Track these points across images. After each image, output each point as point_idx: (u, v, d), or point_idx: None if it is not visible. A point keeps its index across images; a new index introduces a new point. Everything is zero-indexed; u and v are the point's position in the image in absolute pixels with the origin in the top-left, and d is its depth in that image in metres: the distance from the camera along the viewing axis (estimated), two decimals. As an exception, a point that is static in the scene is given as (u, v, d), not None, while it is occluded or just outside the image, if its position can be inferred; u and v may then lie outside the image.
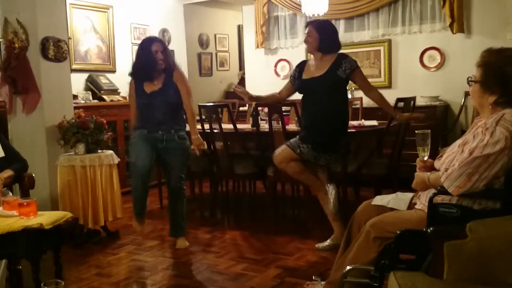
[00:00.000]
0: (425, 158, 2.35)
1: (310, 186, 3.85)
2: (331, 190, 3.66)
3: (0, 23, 4.31)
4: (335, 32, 3.80)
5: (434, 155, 2.41)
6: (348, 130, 4.09)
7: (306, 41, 3.73)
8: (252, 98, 4.02)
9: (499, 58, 2.11)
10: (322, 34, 3.65)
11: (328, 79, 3.61)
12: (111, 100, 5.89)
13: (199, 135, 3.87)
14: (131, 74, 3.83)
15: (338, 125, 3.70)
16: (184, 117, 3.87)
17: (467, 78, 2.22)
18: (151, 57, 3.66)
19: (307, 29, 3.74)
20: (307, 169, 3.71)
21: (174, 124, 3.74)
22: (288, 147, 3.68)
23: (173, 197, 3.89)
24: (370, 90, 3.75)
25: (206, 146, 4.11)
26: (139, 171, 3.71)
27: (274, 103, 4.07)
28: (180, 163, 3.81)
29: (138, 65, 3.76)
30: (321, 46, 3.65)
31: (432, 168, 2.34)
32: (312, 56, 3.80)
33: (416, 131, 2.34)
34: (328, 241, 3.65)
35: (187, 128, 3.87)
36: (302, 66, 3.82)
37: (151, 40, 3.77)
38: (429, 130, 2.34)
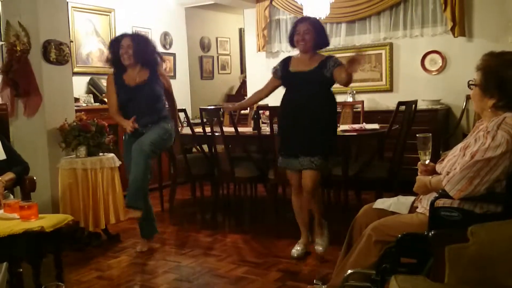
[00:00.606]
0: (427, 162, 2.34)
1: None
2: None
3: (2, 26, 4.33)
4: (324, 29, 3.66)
5: (435, 158, 2.41)
6: (349, 134, 4.10)
7: (302, 40, 3.47)
8: (236, 108, 4.05)
9: (498, 62, 2.11)
10: (319, 32, 3.52)
11: (316, 75, 3.45)
12: (113, 103, 5.90)
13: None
14: (110, 64, 3.94)
15: (323, 122, 3.48)
16: (164, 108, 3.95)
17: (468, 82, 2.22)
18: (116, 51, 3.80)
19: (301, 26, 3.48)
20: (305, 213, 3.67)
21: (153, 116, 3.79)
22: (286, 168, 3.59)
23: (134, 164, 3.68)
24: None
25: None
26: None
27: (259, 100, 4.01)
28: (153, 134, 3.73)
29: (111, 59, 3.90)
30: (317, 44, 3.52)
31: (433, 172, 2.34)
32: (298, 54, 3.61)
33: (417, 135, 2.34)
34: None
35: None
36: (287, 60, 3.66)
37: (120, 35, 3.89)
38: (430, 134, 2.34)
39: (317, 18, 3.94)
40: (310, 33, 3.47)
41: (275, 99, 3.88)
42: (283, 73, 3.63)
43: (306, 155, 3.45)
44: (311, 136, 3.46)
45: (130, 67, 3.81)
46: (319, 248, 3.62)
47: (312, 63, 3.51)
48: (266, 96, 3.86)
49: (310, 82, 3.47)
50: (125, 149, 3.89)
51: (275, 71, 3.71)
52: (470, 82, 2.20)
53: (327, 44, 3.62)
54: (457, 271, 1.75)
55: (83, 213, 3.91)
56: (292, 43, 3.58)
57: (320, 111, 3.47)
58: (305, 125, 3.46)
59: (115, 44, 3.84)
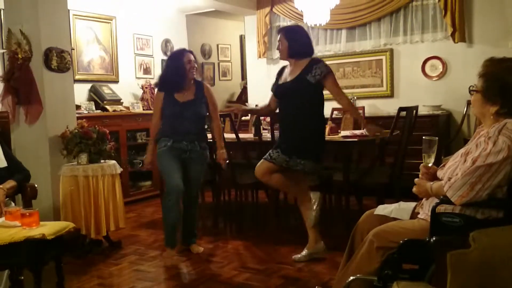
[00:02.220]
0: (430, 165, 2.34)
1: (297, 198, 3.78)
2: (313, 199, 3.67)
3: (3, 34, 4.34)
4: (306, 36, 3.71)
5: (436, 164, 2.41)
6: (350, 139, 4.09)
7: (278, 49, 3.68)
8: (244, 111, 4.14)
9: (500, 69, 2.11)
10: (291, 40, 3.58)
11: (297, 85, 3.52)
12: (114, 110, 5.92)
13: (225, 149, 4.02)
14: (160, 87, 3.93)
15: (306, 131, 3.56)
16: (205, 128, 4.05)
17: (469, 88, 2.22)
18: (182, 67, 3.79)
19: (278, 36, 3.68)
20: (291, 180, 3.66)
21: (198, 135, 3.88)
22: (264, 159, 3.64)
23: (189, 204, 3.99)
24: (341, 98, 3.59)
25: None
26: (174, 192, 3.69)
27: (269, 114, 4.05)
28: (200, 173, 3.95)
29: (167, 76, 3.88)
30: (292, 52, 3.58)
31: (434, 176, 2.34)
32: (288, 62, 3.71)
33: (423, 137, 2.34)
34: (304, 251, 3.66)
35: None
36: (281, 71, 3.76)
37: (182, 51, 3.91)
38: (437, 138, 2.34)
39: (298, 26, 4.03)
40: (283, 42, 3.60)
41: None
42: (275, 86, 3.73)
43: (297, 157, 3.54)
44: (301, 145, 3.56)
45: (187, 84, 3.84)
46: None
47: (296, 70, 3.57)
48: (274, 110, 3.86)
49: (294, 94, 3.53)
50: (165, 155, 3.80)
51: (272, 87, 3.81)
52: (471, 88, 2.20)
53: (309, 51, 3.65)
54: (459, 277, 1.75)
55: (84, 220, 3.91)
56: None
57: (306, 126, 3.55)
58: (293, 137, 3.58)
59: (175, 59, 3.84)
